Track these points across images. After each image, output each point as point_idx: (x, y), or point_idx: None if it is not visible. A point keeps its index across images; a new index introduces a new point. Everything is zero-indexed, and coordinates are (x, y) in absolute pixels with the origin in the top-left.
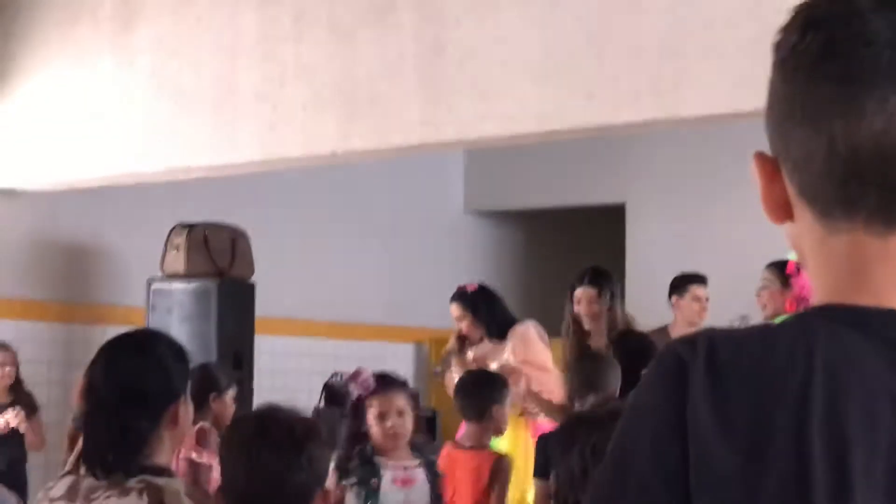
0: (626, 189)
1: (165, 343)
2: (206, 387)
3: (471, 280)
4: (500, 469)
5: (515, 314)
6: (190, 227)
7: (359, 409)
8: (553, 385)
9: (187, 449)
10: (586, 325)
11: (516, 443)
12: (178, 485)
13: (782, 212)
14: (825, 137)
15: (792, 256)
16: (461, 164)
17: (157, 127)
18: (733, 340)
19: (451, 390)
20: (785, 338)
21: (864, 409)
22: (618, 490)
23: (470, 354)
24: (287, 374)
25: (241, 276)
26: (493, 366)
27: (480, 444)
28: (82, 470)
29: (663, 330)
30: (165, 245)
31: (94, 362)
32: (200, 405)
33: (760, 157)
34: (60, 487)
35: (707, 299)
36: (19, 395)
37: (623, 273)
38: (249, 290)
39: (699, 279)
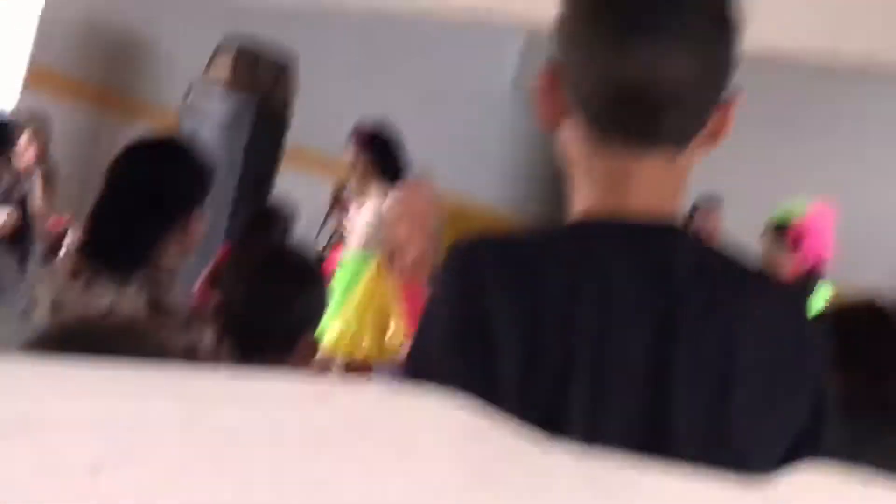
0: None
1: (190, 153)
2: (264, 222)
3: (509, 156)
4: None
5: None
6: (241, 41)
7: None
8: (422, 237)
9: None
10: None
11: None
12: (177, 290)
13: (555, 119)
14: (601, 66)
15: (787, 214)
16: (518, 41)
17: None
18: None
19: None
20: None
21: (612, 310)
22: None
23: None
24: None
25: (282, 102)
26: (369, 205)
27: None
28: (84, 257)
29: None
30: (213, 54)
31: (116, 158)
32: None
33: (550, 64)
34: (63, 271)
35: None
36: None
37: None
38: (286, 118)
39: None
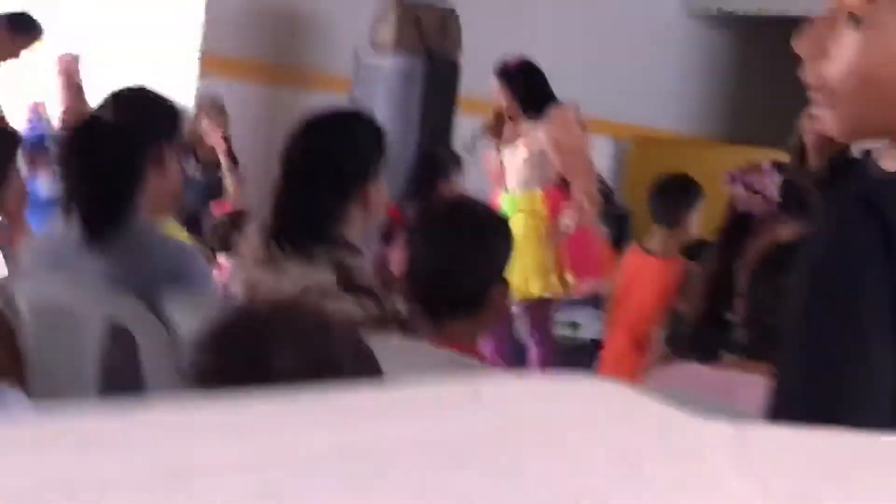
0: None
1: (365, 122)
2: (434, 172)
3: (681, 82)
4: (690, 280)
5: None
6: (402, 1)
7: None
8: (582, 170)
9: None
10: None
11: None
12: (364, 263)
13: None
14: None
15: None
16: None
17: None
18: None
19: (487, 167)
20: None
21: None
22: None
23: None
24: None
25: (449, 55)
26: (522, 142)
27: (667, 252)
28: (271, 238)
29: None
30: (376, 17)
31: (292, 135)
32: (430, 190)
33: None
34: (254, 251)
35: None
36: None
37: None
38: (455, 68)
39: None
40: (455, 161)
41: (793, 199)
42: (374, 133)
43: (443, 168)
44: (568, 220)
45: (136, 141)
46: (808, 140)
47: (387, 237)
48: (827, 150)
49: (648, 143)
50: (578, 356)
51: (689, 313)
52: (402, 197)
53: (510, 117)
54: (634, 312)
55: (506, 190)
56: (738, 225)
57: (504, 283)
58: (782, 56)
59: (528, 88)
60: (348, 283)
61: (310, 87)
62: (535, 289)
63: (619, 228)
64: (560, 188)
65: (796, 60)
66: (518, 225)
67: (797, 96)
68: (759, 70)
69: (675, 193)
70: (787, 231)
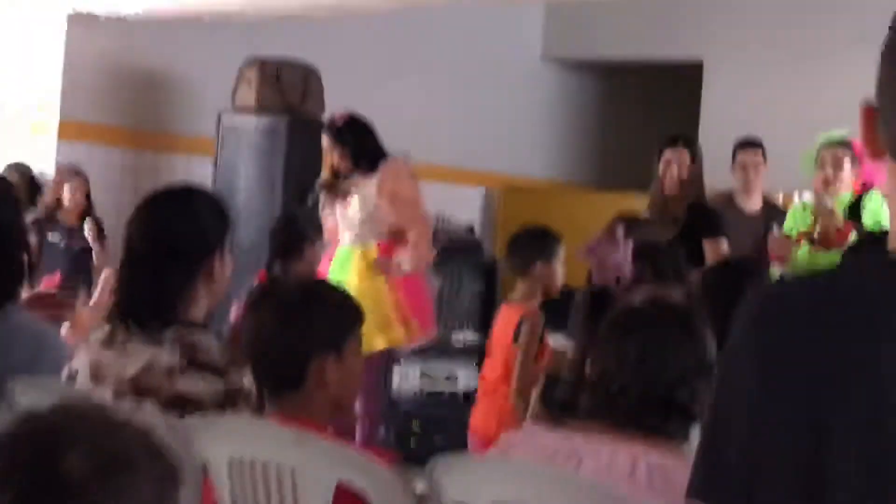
0: (706, 46)
1: (203, 197)
2: (298, 237)
3: (546, 128)
4: (524, 322)
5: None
6: (262, 62)
7: None
8: (416, 219)
9: None
10: (667, 191)
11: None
12: (210, 340)
13: (875, 155)
14: None
15: (843, 135)
16: (541, 11)
17: None
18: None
19: (326, 228)
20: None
21: None
22: None
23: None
24: None
25: (312, 113)
26: (357, 195)
27: (526, 301)
28: (117, 320)
29: (727, 195)
30: (237, 78)
31: (132, 215)
32: (295, 254)
33: (867, 105)
34: (100, 333)
35: (757, 166)
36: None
37: (696, 132)
38: (319, 126)
39: (745, 144)
40: (318, 224)
41: (647, 264)
42: (216, 208)
43: (306, 232)
44: (403, 262)
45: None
46: (667, 186)
47: (255, 305)
48: (685, 194)
49: (516, 191)
50: (453, 409)
51: (565, 376)
52: (268, 263)
53: (342, 172)
54: (503, 364)
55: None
56: (598, 298)
57: (330, 357)
58: (644, 101)
59: (357, 142)
60: (193, 361)
61: (173, 151)
62: (379, 344)
63: (488, 277)
64: (394, 241)
65: (657, 105)
66: (354, 281)
67: (658, 139)
68: (623, 115)
69: (530, 243)
70: (640, 295)
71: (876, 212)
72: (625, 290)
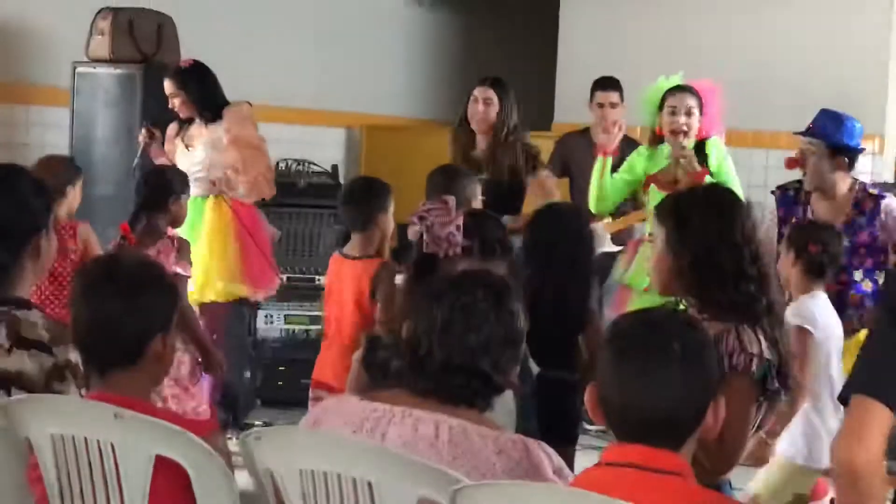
0: None
1: (25, 178)
2: (164, 191)
3: (407, 67)
4: (381, 276)
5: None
6: (115, 12)
7: None
8: (258, 162)
9: (171, 263)
10: (474, 126)
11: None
12: (36, 317)
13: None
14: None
15: (677, 81)
16: None
17: None
18: None
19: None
20: None
21: None
22: None
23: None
24: None
25: (167, 62)
26: (201, 143)
27: (366, 254)
28: None
29: (584, 131)
30: (90, 28)
31: None
32: (160, 208)
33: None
34: None
35: (613, 104)
36: None
37: (554, 65)
38: None
39: (601, 83)
40: (183, 177)
41: (476, 238)
42: (35, 185)
43: (172, 186)
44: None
45: None
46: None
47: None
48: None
49: (379, 129)
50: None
51: (387, 339)
52: (133, 215)
53: (186, 118)
54: (337, 318)
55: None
56: (425, 264)
57: (166, 334)
58: (503, 39)
59: (199, 89)
60: (20, 338)
61: (29, 102)
62: (212, 294)
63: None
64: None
65: (516, 43)
66: (205, 228)
67: (520, 75)
68: (482, 53)
69: (363, 197)
70: (462, 266)
71: (720, 158)
72: (450, 259)
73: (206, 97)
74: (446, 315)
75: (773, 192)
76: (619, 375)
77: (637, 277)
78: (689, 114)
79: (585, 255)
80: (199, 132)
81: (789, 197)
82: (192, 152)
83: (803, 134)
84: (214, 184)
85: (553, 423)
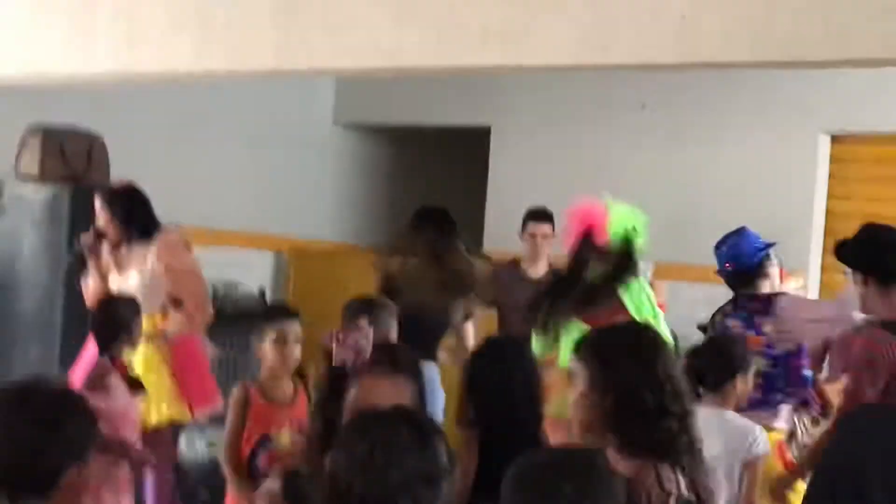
0: (493, 112)
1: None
2: (117, 327)
3: (337, 192)
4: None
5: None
6: (46, 130)
7: None
8: (192, 287)
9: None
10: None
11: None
12: None
13: None
14: None
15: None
16: (332, 78)
17: (15, 30)
18: None
19: (86, 297)
20: None
21: None
22: None
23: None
24: None
25: (96, 183)
26: (134, 273)
27: None
28: None
29: (514, 261)
30: (20, 146)
31: None
32: (116, 345)
33: None
34: None
35: (545, 235)
36: None
37: (484, 196)
38: None
39: (534, 215)
40: (135, 306)
41: (385, 355)
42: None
43: (124, 324)
44: (174, 326)
45: None
46: None
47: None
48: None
49: (307, 254)
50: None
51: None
52: (100, 349)
53: (111, 241)
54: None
55: None
56: (335, 379)
57: (83, 463)
58: (434, 166)
59: (127, 210)
60: None
61: None
62: (154, 418)
63: None
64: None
65: (447, 170)
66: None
67: (449, 202)
68: (413, 180)
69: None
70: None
71: (638, 298)
72: (360, 374)
73: (133, 218)
74: (367, 450)
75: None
76: None
77: (560, 407)
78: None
79: (536, 388)
80: (132, 256)
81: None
82: (125, 278)
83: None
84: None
85: None
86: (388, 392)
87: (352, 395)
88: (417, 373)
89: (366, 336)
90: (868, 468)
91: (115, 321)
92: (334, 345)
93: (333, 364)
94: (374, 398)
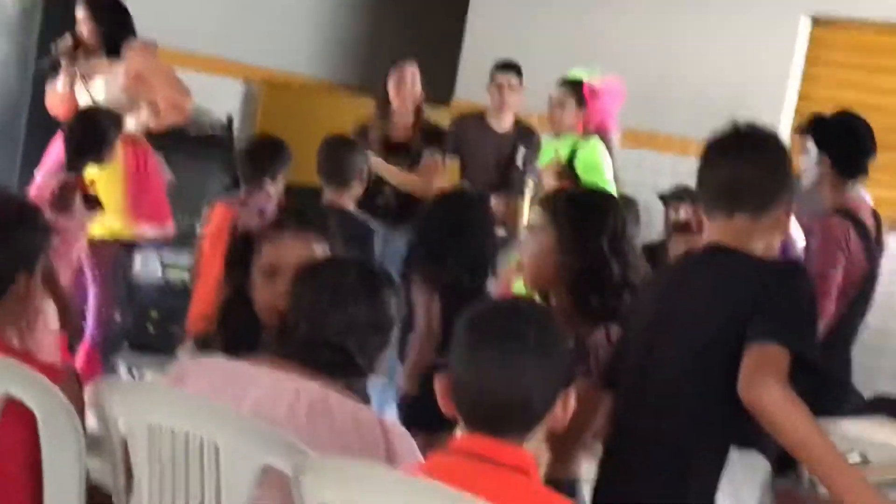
0: None
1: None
2: (98, 137)
3: (313, 26)
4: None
5: None
6: None
7: None
8: (166, 84)
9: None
10: (394, 106)
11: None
12: None
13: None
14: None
15: (584, 76)
16: None
17: None
18: None
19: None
20: None
21: None
22: None
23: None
24: None
25: None
26: (102, 80)
27: None
28: None
29: (479, 113)
30: None
31: None
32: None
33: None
34: None
35: (512, 86)
36: None
37: (461, 44)
38: (75, 4)
39: (501, 66)
40: (117, 120)
41: (291, 212)
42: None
43: (105, 130)
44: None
45: None
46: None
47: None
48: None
49: (279, 86)
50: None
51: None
52: (68, 161)
53: (89, 49)
54: (216, 267)
55: None
56: (242, 244)
57: (31, 272)
58: (413, 12)
59: (112, 22)
60: None
61: None
62: (98, 231)
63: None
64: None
65: (425, 18)
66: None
67: (425, 48)
68: (391, 23)
69: (267, 155)
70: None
71: (589, 161)
72: (266, 236)
73: (116, 31)
74: (316, 291)
75: (662, 197)
76: (474, 360)
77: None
78: (559, 106)
79: (490, 243)
80: (101, 66)
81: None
82: (91, 86)
83: None
84: None
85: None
86: (295, 250)
87: (259, 257)
88: (327, 229)
89: (268, 196)
90: None
91: (95, 134)
92: (238, 209)
93: (238, 230)
94: (280, 258)
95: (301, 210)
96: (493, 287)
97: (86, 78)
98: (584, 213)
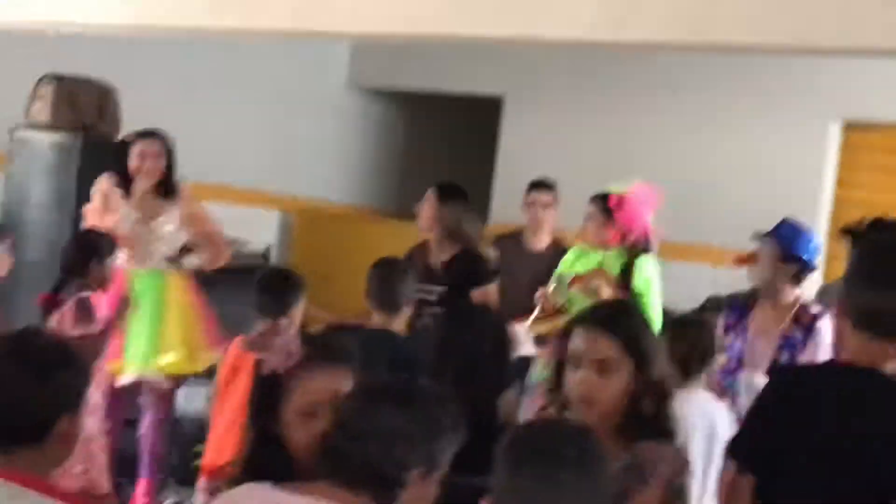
0: (506, 82)
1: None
2: (87, 253)
3: (347, 155)
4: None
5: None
6: (58, 79)
7: None
8: (214, 236)
9: (69, 327)
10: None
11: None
12: None
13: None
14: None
15: (614, 189)
16: (348, 41)
17: None
18: None
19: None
20: None
21: None
22: None
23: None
24: None
25: (106, 133)
26: (169, 218)
27: (266, 347)
28: None
29: (516, 232)
30: (32, 94)
31: None
32: (82, 271)
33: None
34: None
35: (547, 206)
36: None
37: (493, 167)
38: (112, 146)
39: (537, 185)
40: (109, 243)
41: (318, 349)
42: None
43: (97, 250)
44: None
45: None
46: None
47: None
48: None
49: (314, 216)
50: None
51: None
52: (57, 280)
53: (151, 183)
54: (231, 407)
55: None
56: (267, 387)
57: (73, 413)
58: (445, 133)
59: (174, 163)
60: None
61: None
62: (187, 368)
63: None
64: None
65: (458, 138)
66: (159, 300)
67: (459, 171)
68: (423, 146)
69: (284, 287)
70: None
71: (647, 280)
72: (291, 372)
73: (174, 170)
74: (356, 410)
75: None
76: (514, 480)
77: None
78: (587, 219)
79: (503, 359)
80: (162, 205)
81: (737, 304)
82: (156, 225)
83: (762, 236)
84: (173, 259)
85: None
86: (329, 387)
87: (291, 397)
88: (352, 357)
89: (289, 335)
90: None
91: (86, 255)
92: (260, 353)
93: (262, 374)
94: (316, 397)
95: (326, 344)
96: (527, 403)
97: (149, 217)
98: (647, 340)
